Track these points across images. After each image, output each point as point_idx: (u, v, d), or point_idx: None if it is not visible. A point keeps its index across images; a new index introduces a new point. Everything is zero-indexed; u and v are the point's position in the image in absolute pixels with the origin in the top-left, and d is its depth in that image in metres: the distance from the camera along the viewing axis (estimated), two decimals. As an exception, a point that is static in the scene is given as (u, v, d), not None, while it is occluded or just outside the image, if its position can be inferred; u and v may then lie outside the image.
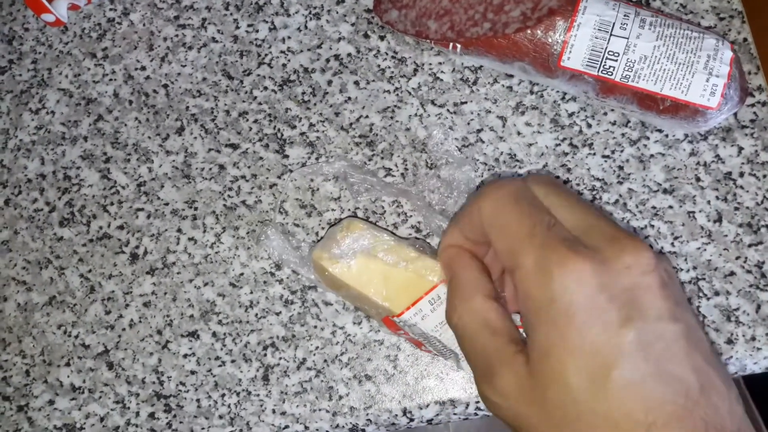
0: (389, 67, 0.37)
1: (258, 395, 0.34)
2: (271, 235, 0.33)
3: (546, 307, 0.20)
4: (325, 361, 0.34)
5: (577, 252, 0.20)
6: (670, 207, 0.34)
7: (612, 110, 0.36)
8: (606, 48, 0.32)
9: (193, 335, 0.35)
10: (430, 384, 0.33)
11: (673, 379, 0.19)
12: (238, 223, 0.36)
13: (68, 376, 0.35)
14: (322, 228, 0.35)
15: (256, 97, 0.37)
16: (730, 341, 0.32)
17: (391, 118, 0.36)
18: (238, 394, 0.34)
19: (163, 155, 0.37)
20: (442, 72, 0.37)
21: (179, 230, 0.36)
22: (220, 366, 0.34)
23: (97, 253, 0.36)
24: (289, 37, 0.38)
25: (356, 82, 0.37)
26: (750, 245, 0.33)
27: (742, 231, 0.34)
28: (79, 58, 0.39)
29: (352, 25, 0.38)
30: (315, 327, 0.34)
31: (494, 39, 0.34)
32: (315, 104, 0.37)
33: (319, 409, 0.33)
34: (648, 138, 0.35)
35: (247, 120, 0.37)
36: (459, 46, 0.35)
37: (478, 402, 0.33)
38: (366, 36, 0.38)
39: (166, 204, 0.37)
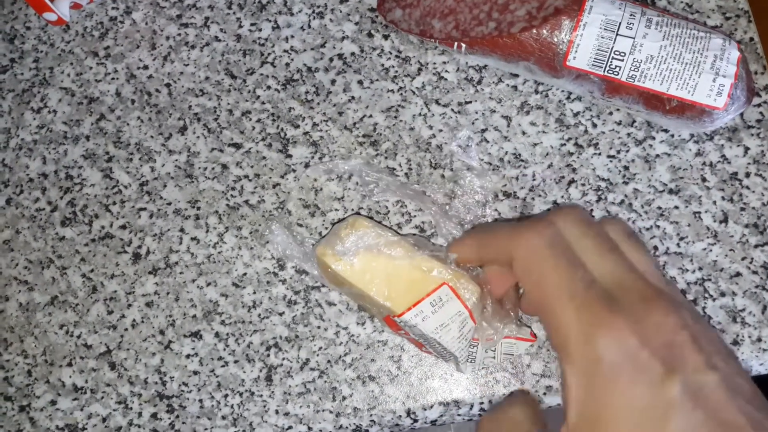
0: (393, 67, 0.37)
1: (261, 396, 0.34)
2: (275, 230, 0.33)
3: (592, 368, 0.20)
4: (329, 361, 0.34)
5: (616, 313, 0.21)
6: (676, 207, 0.34)
7: (617, 110, 0.35)
8: (612, 48, 0.32)
9: (196, 335, 0.35)
10: (434, 385, 0.33)
11: (724, 423, 0.19)
12: (241, 222, 0.36)
13: (70, 377, 0.35)
14: (326, 228, 0.35)
15: (259, 97, 0.37)
16: (736, 342, 0.32)
17: (395, 117, 0.36)
18: (241, 394, 0.34)
19: (166, 155, 0.37)
20: (446, 71, 0.37)
21: (182, 230, 0.36)
22: (223, 366, 0.34)
23: (99, 253, 0.36)
24: (292, 36, 0.38)
25: (360, 82, 0.37)
26: (756, 246, 0.33)
27: (748, 232, 0.33)
28: (81, 57, 0.39)
29: (356, 24, 0.38)
30: (318, 327, 0.34)
31: (499, 38, 0.34)
32: (318, 103, 0.37)
33: (323, 410, 0.33)
34: (654, 138, 0.35)
35: (250, 119, 0.37)
36: (464, 45, 0.35)
37: (482, 403, 0.33)
38: (370, 35, 0.38)
39: (169, 204, 0.36)
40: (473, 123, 0.36)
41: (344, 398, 0.33)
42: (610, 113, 0.35)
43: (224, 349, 0.34)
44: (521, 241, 0.24)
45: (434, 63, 0.37)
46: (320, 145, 0.36)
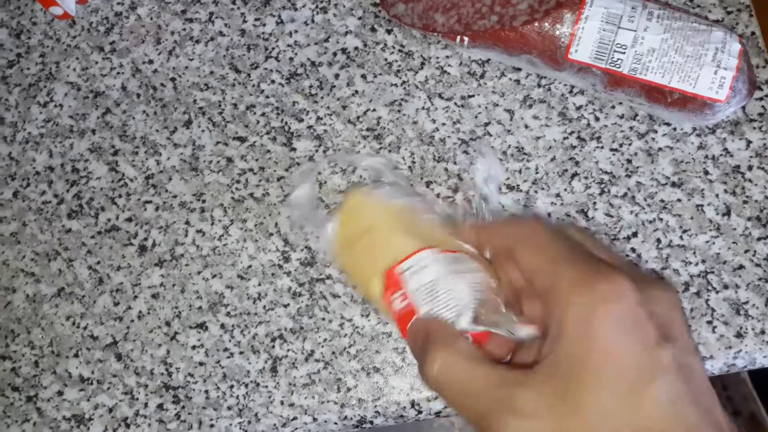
0: (396, 61, 0.37)
1: (266, 387, 0.34)
2: (300, 178, 0.32)
3: (586, 315, 0.20)
4: (333, 353, 0.34)
5: (620, 272, 0.21)
6: (679, 200, 0.34)
7: (620, 103, 0.35)
8: (614, 40, 0.32)
9: (202, 327, 0.35)
10: (438, 376, 0.33)
11: (707, 409, 0.19)
12: (246, 215, 0.36)
13: (77, 367, 0.35)
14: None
15: (263, 91, 0.38)
16: (739, 335, 0.32)
17: (399, 111, 0.36)
18: (246, 385, 0.34)
19: (171, 148, 0.37)
20: (449, 65, 0.37)
21: (187, 222, 0.36)
22: (228, 357, 0.34)
23: (105, 245, 0.36)
24: (296, 31, 0.38)
25: (363, 76, 0.37)
26: (759, 239, 0.33)
27: (751, 224, 0.34)
28: (86, 52, 0.39)
29: (359, 18, 0.38)
30: (323, 319, 0.34)
31: (502, 32, 0.34)
32: (322, 98, 0.37)
33: (327, 401, 0.33)
34: (656, 131, 0.35)
35: (255, 113, 0.37)
36: (466, 39, 0.35)
37: (485, 394, 0.33)
38: (373, 29, 0.38)
39: (174, 196, 0.37)
40: (476, 117, 0.36)
41: (349, 389, 0.34)
42: (613, 107, 0.36)
43: (230, 341, 0.35)
44: (526, 241, 0.24)
45: (437, 57, 0.37)
46: (324, 138, 0.36)
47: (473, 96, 0.36)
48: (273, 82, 0.38)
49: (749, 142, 0.34)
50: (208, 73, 0.38)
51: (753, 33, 0.36)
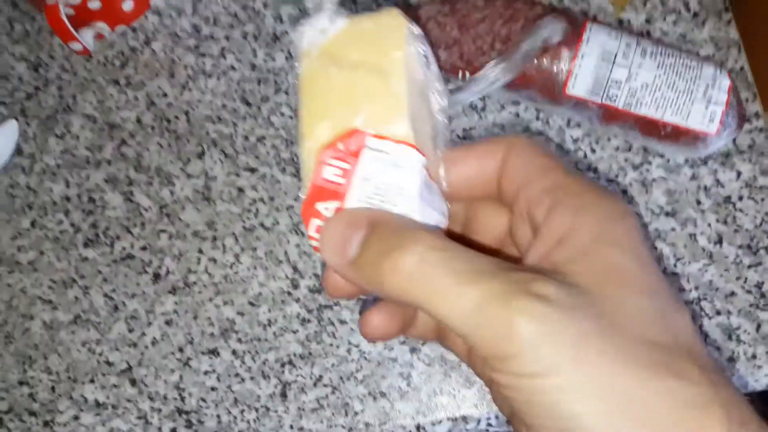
0: (401, 94, 0.39)
1: (276, 411, 0.35)
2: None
3: (614, 228, 0.18)
4: (341, 378, 0.35)
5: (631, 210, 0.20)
6: (672, 229, 0.36)
7: (615, 136, 0.37)
8: (609, 77, 0.34)
9: (214, 353, 0.36)
10: (443, 401, 0.34)
11: (697, 357, 0.18)
12: (257, 244, 0.37)
13: (92, 393, 0.36)
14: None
15: (273, 123, 0.39)
16: (731, 359, 0.34)
17: (403, 143, 0.38)
18: (257, 410, 0.35)
19: (185, 179, 0.39)
20: (451, 99, 0.38)
21: (200, 251, 0.38)
22: (239, 383, 0.36)
23: (120, 273, 0.38)
24: (304, 65, 0.40)
25: (369, 109, 0.39)
26: (750, 266, 0.35)
27: (742, 252, 0.35)
28: (102, 85, 0.41)
29: (366, 53, 0.40)
30: (331, 345, 0.36)
31: (502, 69, 0.35)
32: (330, 130, 0.39)
33: (336, 425, 0.35)
34: (650, 163, 0.37)
35: (265, 145, 0.39)
36: (468, 74, 0.36)
37: (488, 419, 0.34)
38: (379, 64, 0.39)
39: (188, 226, 0.38)
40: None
41: (356, 414, 0.35)
42: (609, 139, 0.37)
43: (240, 366, 0.36)
44: (518, 150, 0.21)
45: (440, 91, 0.39)
46: (332, 169, 0.38)
47: (474, 129, 0.38)
48: (283, 114, 0.39)
49: (739, 173, 0.36)
50: (220, 106, 0.40)
51: (742, 68, 0.37)
